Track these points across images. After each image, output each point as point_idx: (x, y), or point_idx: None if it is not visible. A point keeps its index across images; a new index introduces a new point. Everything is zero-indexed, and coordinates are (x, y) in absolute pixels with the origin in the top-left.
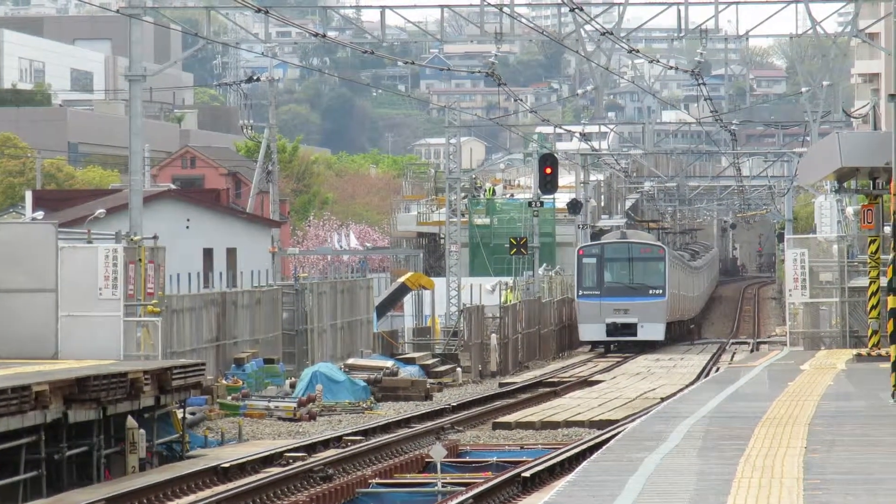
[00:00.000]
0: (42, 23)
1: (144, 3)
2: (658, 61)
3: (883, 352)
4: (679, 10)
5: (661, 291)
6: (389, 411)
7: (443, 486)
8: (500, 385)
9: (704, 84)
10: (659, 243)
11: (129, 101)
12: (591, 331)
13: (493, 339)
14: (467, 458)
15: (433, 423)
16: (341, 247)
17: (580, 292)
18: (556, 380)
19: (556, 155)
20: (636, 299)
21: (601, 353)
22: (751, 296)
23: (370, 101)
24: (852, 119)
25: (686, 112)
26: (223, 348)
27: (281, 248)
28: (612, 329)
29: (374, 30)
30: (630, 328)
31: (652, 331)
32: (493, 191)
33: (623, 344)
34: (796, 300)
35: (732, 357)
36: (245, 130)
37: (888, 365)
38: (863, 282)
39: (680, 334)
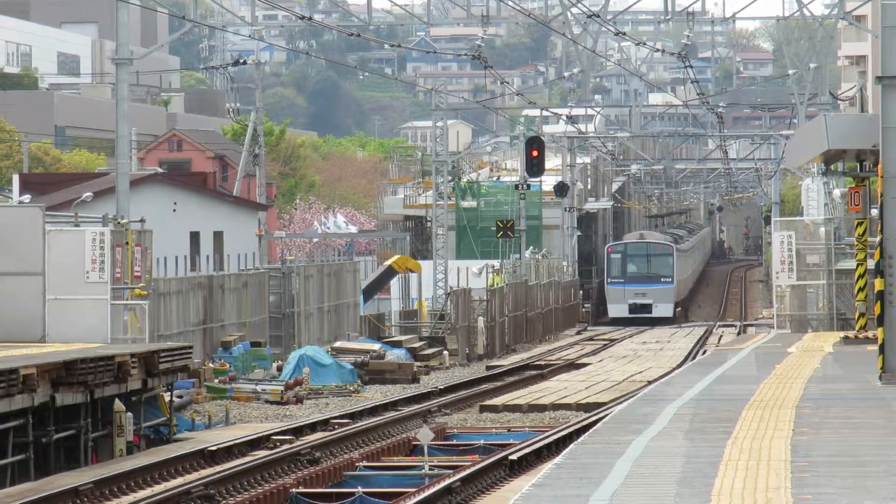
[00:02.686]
0: (29, 6)
1: None
2: (645, 44)
3: (870, 334)
4: None
5: (670, 279)
6: (376, 394)
7: (430, 469)
8: (487, 368)
9: (691, 67)
10: (669, 242)
11: (116, 84)
12: (617, 309)
13: (480, 322)
14: (454, 441)
15: (420, 406)
16: (333, 228)
17: (608, 280)
18: (543, 363)
19: (542, 138)
20: (652, 285)
21: (589, 336)
22: (738, 278)
23: (357, 84)
24: (839, 101)
25: (673, 95)
26: (210, 331)
27: (268, 231)
28: (633, 308)
29: (360, 13)
30: (647, 307)
31: (664, 309)
32: (470, 181)
33: (639, 319)
34: (783, 283)
35: (719, 340)
36: (231, 114)
37: (875, 347)
38: (850, 264)
39: (685, 308)
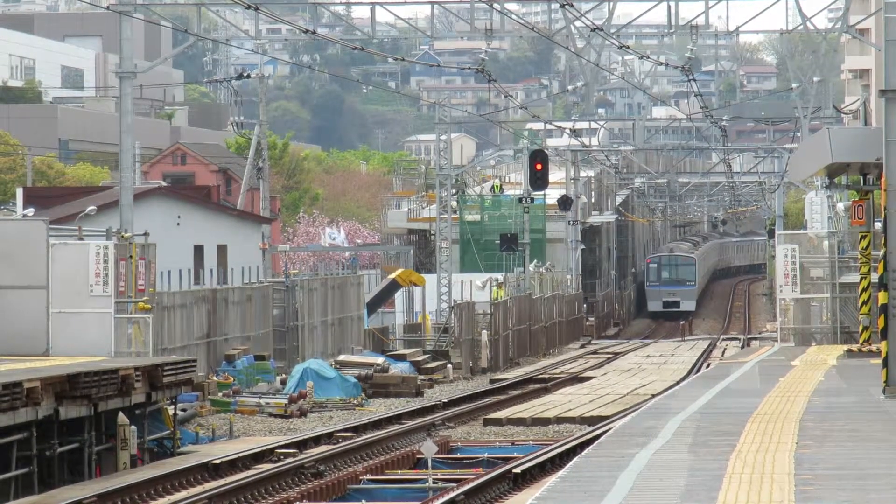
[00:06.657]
0: (32, 20)
1: (135, 0)
2: (648, 57)
3: (874, 348)
4: (669, 7)
5: (693, 283)
6: (380, 408)
7: (434, 483)
8: (491, 381)
9: (695, 80)
10: (692, 254)
11: (120, 98)
12: (654, 305)
13: (484, 335)
14: (458, 455)
15: (424, 419)
16: (336, 241)
17: (647, 283)
18: (546, 376)
19: (546, 151)
20: (679, 287)
21: (592, 350)
22: (742, 292)
23: (360, 97)
24: (843, 115)
25: (676, 108)
26: (214, 345)
27: (271, 244)
28: (666, 304)
29: (364, 26)
30: (676, 304)
31: (688, 305)
32: (500, 187)
33: (669, 314)
34: (787, 296)
35: (723, 353)
36: (235, 127)
37: (879, 361)
38: (853, 277)
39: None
